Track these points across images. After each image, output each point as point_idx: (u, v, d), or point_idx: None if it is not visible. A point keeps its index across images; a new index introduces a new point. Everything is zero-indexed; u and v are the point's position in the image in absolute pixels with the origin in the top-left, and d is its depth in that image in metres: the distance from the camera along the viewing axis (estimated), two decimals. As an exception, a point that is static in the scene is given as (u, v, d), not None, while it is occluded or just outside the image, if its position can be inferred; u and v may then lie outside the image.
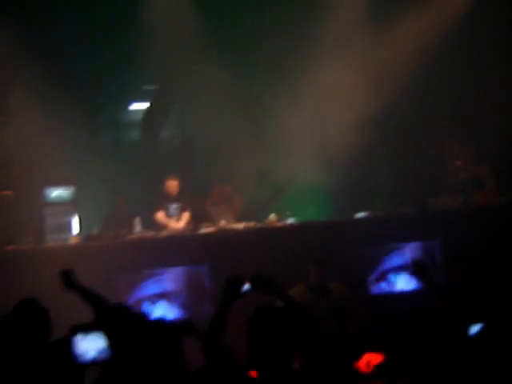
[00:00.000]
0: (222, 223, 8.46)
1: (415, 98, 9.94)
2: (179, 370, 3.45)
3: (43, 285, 6.72)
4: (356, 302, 6.41)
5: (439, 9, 10.03)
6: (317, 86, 9.41)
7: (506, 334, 2.97)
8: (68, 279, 4.47)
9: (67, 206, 8.39)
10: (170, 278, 7.56)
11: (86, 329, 4.04)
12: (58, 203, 8.37)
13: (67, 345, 4.04)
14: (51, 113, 8.85)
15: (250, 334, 3.21)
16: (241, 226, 8.37)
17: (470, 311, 3.70)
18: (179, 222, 8.98)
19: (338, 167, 9.58)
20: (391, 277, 8.09)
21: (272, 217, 8.50)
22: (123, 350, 3.64)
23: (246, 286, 3.72)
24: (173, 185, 9.13)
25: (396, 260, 8.09)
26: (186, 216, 9.06)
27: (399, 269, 8.03)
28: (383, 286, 8.09)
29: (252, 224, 8.41)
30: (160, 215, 9.03)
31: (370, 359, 6.90)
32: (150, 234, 8.28)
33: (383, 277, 8.10)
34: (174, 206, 9.11)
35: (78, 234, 8.26)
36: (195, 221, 8.83)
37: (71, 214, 8.37)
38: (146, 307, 7.36)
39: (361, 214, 8.50)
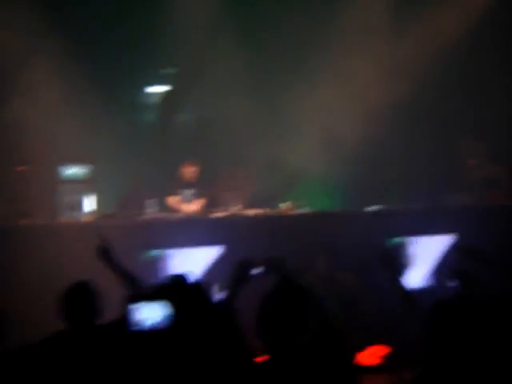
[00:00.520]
0: (233, 209, 8.46)
1: (431, 96, 9.94)
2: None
3: (56, 260, 6.85)
4: (364, 293, 6.46)
5: (460, 8, 10.01)
6: (334, 77, 9.42)
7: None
8: (105, 254, 4.46)
9: (82, 185, 8.42)
10: (182, 259, 7.58)
11: (143, 298, 4.00)
12: (74, 181, 8.40)
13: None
14: (70, 91, 8.90)
15: (261, 317, 3.25)
16: (252, 212, 8.40)
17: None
18: (191, 206, 8.92)
19: (352, 160, 9.59)
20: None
21: (286, 205, 8.50)
22: (186, 317, 3.67)
23: (257, 269, 3.79)
24: (190, 171, 9.03)
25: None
26: (200, 201, 8.96)
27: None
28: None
29: (263, 211, 8.43)
30: (172, 199, 8.95)
31: (376, 351, 6.95)
32: (162, 215, 8.29)
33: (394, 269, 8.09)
34: (189, 192, 9.01)
35: (93, 213, 8.30)
36: (208, 206, 8.81)
37: (86, 193, 8.40)
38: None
39: (373, 207, 8.51)
